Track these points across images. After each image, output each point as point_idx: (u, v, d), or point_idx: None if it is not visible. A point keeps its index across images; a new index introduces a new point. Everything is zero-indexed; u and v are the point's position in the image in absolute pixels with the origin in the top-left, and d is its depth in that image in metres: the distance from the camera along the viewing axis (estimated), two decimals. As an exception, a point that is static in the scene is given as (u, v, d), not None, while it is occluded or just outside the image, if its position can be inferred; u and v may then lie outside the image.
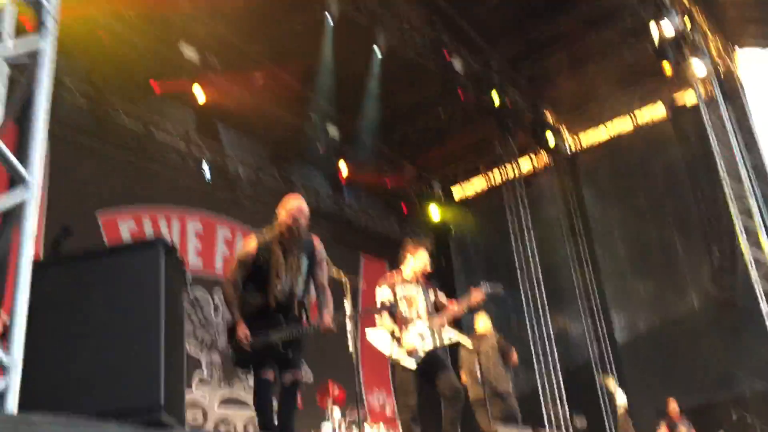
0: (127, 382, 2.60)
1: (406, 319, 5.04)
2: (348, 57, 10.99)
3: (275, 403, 4.21)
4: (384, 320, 5.05)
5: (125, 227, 9.58)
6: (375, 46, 10.88)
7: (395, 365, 4.99)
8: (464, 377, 7.53)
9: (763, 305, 10.93)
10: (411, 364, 4.92)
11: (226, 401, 9.81)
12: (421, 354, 4.95)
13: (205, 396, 9.63)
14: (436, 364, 5.00)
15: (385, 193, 14.72)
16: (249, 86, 10.96)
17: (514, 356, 7.59)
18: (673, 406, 10.40)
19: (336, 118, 12.67)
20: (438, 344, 5.06)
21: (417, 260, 5.29)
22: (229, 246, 10.90)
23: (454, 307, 5.28)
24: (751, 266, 11.12)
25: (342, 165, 13.10)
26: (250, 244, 4.34)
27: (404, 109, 13.51)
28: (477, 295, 5.22)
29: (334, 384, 7.81)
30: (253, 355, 4.09)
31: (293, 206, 4.33)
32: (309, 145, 12.59)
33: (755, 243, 11.25)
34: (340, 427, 7.37)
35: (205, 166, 11.12)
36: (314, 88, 11.76)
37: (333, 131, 12.54)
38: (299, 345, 4.30)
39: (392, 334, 4.99)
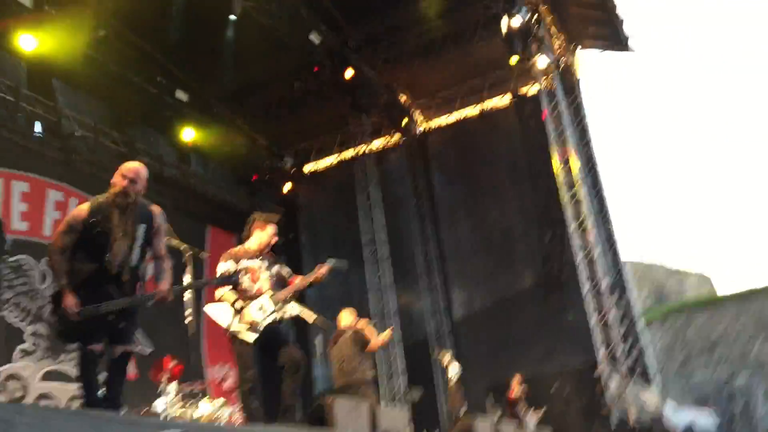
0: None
1: (249, 292, 4.97)
2: (201, 20, 10.57)
3: (102, 378, 3.99)
4: (225, 293, 4.94)
5: (-62, 185, 8.68)
6: (230, 12, 10.52)
7: (234, 338, 4.91)
8: (333, 368, 7.70)
9: (584, 288, 11.86)
10: (251, 337, 4.86)
11: (50, 375, 9.19)
12: (262, 328, 4.90)
13: (26, 368, 8.96)
14: (277, 338, 4.98)
15: (235, 164, 14.38)
16: (89, 41, 10.21)
17: (373, 345, 7.68)
18: (518, 379, 11.08)
19: (185, 82, 12.15)
20: (280, 318, 5.04)
21: (264, 234, 5.21)
22: (61, 210, 10.15)
23: (298, 282, 5.26)
24: (577, 251, 12.02)
25: (189, 132, 12.58)
26: (81, 207, 4.06)
27: (258, 79, 13.23)
28: (322, 269, 5.22)
29: (169, 358, 7.57)
30: (80, 326, 3.83)
31: (129, 168, 4.12)
32: (154, 109, 11.98)
33: (582, 230, 12.17)
34: (174, 401, 7.15)
35: (37, 125, 10.28)
36: (163, 49, 11.20)
37: (181, 96, 12.02)
38: (132, 317, 4.09)
39: (233, 306, 4.90)
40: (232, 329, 4.89)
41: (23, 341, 9.16)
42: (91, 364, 3.86)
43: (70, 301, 3.81)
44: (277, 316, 5.00)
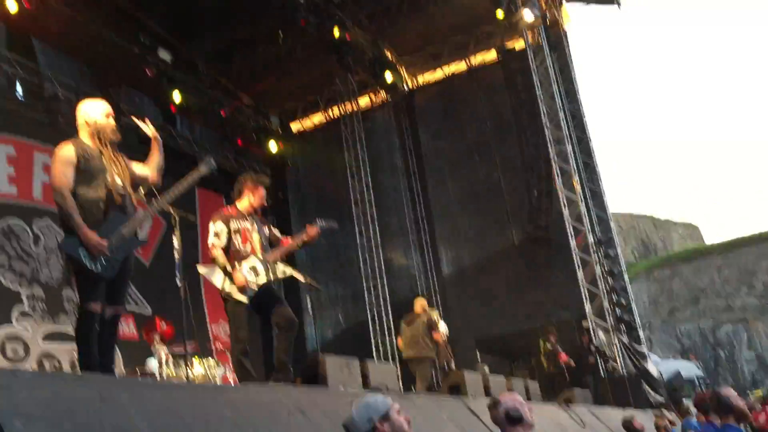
0: None
1: (240, 253, 5.00)
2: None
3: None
4: (217, 254, 4.97)
5: None
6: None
7: (227, 299, 4.96)
8: (401, 344, 9.33)
9: (572, 242, 11.97)
10: (243, 297, 4.91)
11: (51, 335, 9.28)
12: (254, 288, 4.95)
13: (27, 330, 9.05)
14: (269, 298, 5.03)
15: (221, 125, 14.25)
16: (69, 0, 10.01)
17: (436, 335, 9.14)
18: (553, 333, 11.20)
19: (168, 42, 11.95)
20: (272, 278, 5.08)
21: (255, 196, 5.23)
22: (49, 173, 10.07)
23: (289, 242, 5.31)
24: (564, 206, 12.10)
25: (174, 93, 12.42)
26: (67, 148, 3.93)
27: (243, 38, 13.04)
28: (312, 231, 5.28)
29: (161, 319, 7.64)
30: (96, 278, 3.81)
31: (107, 109, 4.14)
32: (138, 70, 11.79)
33: (569, 185, 12.23)
34: (166, 361, 7.24)
35: (18, 86, 10.13)
36: (144, 7, 10.99)
37: (165, 56, 11.82)
38: (124, 275, 4.10)
39: (224, 269, 4.93)
40: (224, 290, 4.93)
41: (21, 304, 9.20)
42: (90, 324, 3.86)
43: (94, 237, 3.75)
44: (269, 276, 5.04)
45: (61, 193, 3.84)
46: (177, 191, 4.32)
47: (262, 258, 5.05)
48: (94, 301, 3.82)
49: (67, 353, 8.98)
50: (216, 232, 5.02)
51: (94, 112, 4.10)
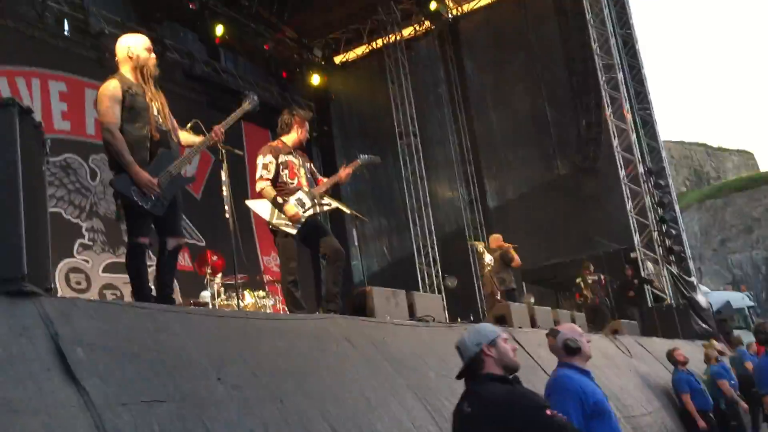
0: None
1: (288, 186, 5.06)
2: None
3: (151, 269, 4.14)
4: (265, 187, 5.04)
5: (-24, 88, 8.78)
6: None
7: (276, 231, 5.05)
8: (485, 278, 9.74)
9: (621, 173, 11.75)
10: (292, 230, 4.99)
11: (111, 266, 9.62)
12: (302, 220, 5.02)
13: (88, 261, 9.40)
14: (316, 230, 5.11)
15: (265, 58, 14.19)
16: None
17: (517, 261, 9.60)
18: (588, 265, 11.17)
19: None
20: (318, 211, 5.15)
21: (302, 131, 5.26)
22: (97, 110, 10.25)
23: (332, 177, 5.36)
24: (614, 136, 11.84)
25: (218, 27, 12.39)
26: (113, 84, 3.93)
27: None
28: (354, 164, 5.33)
29: (213, 252, 7.81)
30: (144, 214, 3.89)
31: (148, 42, 4.13)
32: (181, 4, 11.76)
33: (619, 114, 11.92)
34: (218, 292, 7.43)
35: (66, 24, 10.21)
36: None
37: (207, -12, 11.74)
38: (176, 209, 4.18)
39: (273, 201, 5.00)
40: (273, 223, 5.01)
41: (82, 236, 9.52)
42: (140, 256, 3.97)
43: (145, 175, 3.80)
44: (315, 208, 5.11)
45: (110, 131, 3.84)
46: (228, 123, 4.38)
47: (308, 191, 5.11)
48: (144, 236, 3.93)
49: (127, 284, 9.31)
50: (265, 164, 5.07)
51: (135, 46, 4.07)
